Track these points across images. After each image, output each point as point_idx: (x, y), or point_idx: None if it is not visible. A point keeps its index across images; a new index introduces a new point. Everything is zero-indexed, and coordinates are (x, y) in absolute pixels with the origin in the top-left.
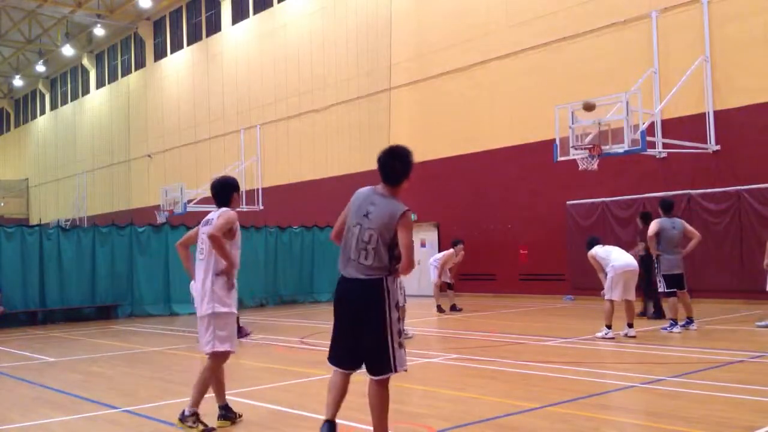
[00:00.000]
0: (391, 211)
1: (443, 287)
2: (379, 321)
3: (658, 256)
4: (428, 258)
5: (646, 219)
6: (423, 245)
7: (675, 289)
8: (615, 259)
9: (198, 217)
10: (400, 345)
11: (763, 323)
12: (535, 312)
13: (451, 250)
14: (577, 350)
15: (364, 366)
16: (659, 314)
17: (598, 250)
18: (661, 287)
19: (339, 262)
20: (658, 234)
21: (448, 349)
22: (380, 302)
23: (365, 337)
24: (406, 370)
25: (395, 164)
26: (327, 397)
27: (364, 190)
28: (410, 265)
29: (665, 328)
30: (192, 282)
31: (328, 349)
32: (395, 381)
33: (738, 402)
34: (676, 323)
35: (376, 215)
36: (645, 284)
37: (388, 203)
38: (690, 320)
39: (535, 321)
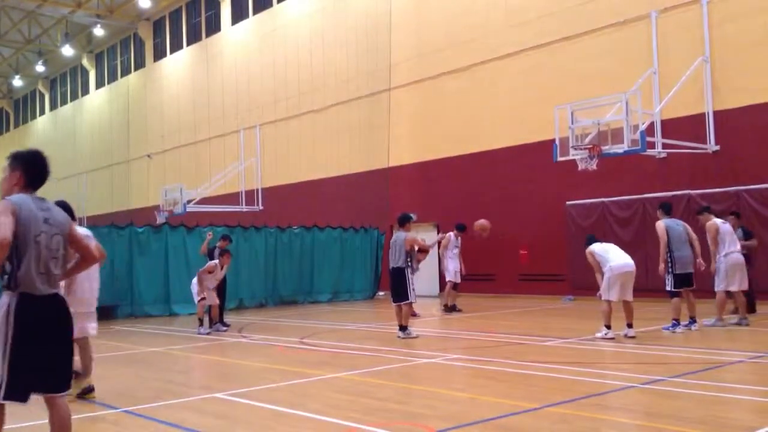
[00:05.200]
0: (64, 214)
1: (450, 287)
2: (70, 333)
3: (672, 255)
4: (431, 258)
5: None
6: None
7: (681, 289)
8: (612, 260)
9: (198, 218)
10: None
11: (709, 321)
12: (535, 312)
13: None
14: (576, 350)
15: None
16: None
17: (596, 248)
18: (670, 286)
19: (21, 279)
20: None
21: (448, 349)
22: (69, 313)
23: (59, 352)
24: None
25: (47, 166)
26: None
27: (17, 198)
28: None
29: (667, 328)
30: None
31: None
32: (396, 381)
33: (738, 402)
34: (679, 323)
35: (56, 220)
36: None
37: (55, 206)
38: (693, 320)
39: (535, 321)
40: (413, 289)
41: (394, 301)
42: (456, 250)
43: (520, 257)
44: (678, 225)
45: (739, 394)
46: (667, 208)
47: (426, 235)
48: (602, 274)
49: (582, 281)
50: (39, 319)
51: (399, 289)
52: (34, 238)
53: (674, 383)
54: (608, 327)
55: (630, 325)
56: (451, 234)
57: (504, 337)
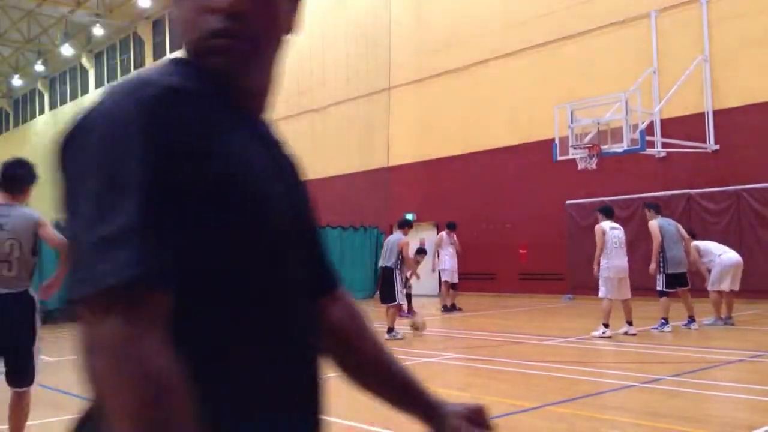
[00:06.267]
0: (27, 217)
1: (446, 287)
2: (29, 332)
3: (664, 255)
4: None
5: None
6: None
7: (674, 289)
8: (611, 259)
9: None
10: (39, 351)
11: (709, 321)
12: (535, 311)
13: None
14: (576, 350)
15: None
16: None
17: (606, 228)
18: (661, 285)
19: None
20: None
21: (448, 348)
22: (32, 312)
23: (11, 349)
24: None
25: (17, 171)
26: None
27: None
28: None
29: (655, 328)
30: None
31: None
32: None
33: (738, 402)
34: (667, 322)
35: (12, 226)
36: None
37: (20, 211)
38: (692, 319)
39: (535, 320)
40: (400, 291)
41: (382, 302)
42: (451, 249)
43: (520, 256)
44: (670, 225)
45: (739, 393)
46: (657, 207)
47: (425, 235)
48: (600, 254)
49: (581, 280)
50: None
51: (387, 290)
52: None
53: (674, 382)
54: (606, 326)
55: (630, 323)
56: (443, 233)
57: (504, 337)
